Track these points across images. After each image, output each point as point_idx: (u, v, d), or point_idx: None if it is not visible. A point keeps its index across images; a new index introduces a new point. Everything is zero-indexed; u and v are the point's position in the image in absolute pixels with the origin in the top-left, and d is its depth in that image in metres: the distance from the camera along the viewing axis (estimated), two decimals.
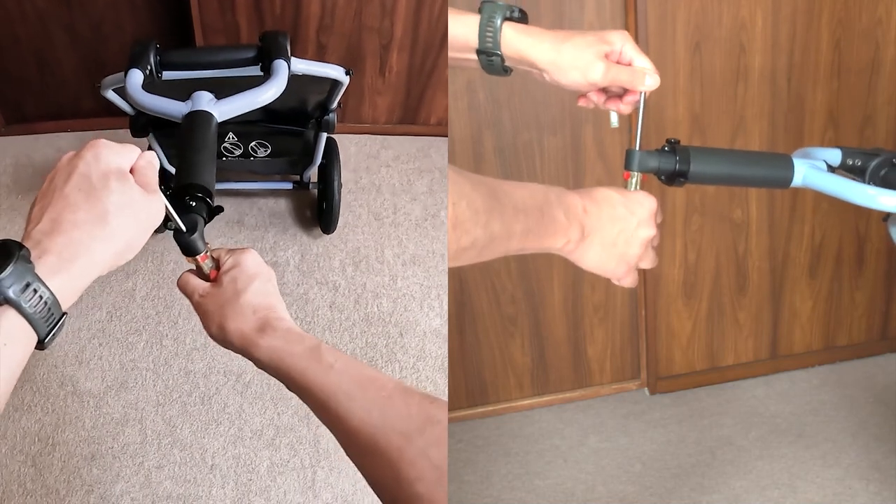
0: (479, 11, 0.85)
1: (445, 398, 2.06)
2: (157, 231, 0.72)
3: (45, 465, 1.82)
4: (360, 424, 0.61)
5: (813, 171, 0.85)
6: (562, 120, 1.99)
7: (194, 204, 0.79)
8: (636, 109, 0.88)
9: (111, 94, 1.79)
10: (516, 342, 2.26)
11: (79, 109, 2.48)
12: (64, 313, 0.54)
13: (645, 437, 2.20)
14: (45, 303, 0.52)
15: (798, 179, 0.86)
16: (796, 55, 1.97)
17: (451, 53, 0.90)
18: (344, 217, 2.39)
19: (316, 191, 2.35)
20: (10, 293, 0.50)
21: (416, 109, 2.67)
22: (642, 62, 0.85)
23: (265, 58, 1.61)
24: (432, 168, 2.66)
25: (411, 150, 2.71)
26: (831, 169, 0.87)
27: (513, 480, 2.09)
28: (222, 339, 0.74)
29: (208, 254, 0.77)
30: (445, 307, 2.26)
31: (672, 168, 0.85)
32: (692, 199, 2.05)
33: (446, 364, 2.14)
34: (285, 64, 1.55)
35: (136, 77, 1.52)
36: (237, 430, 1.93)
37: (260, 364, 0.71)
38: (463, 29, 0.86)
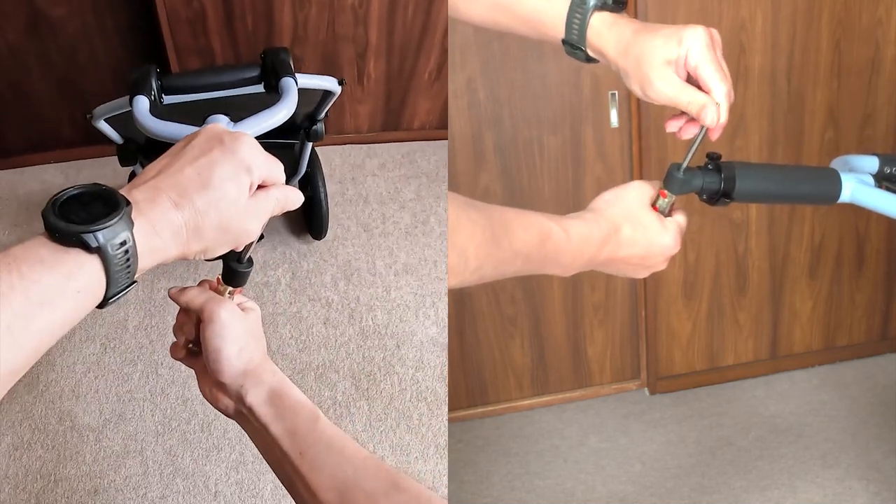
0: None
1: (446, 405, 2.06)
2: (207, 259, 0.72)
3: (49, 503, 1.80)
4: (331, 479, 0.62)
5: (861, 186, 0.80)
6: (562, 118, 1.99)
7: None
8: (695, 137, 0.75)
9: (103, 125, 1.76)
10: (516, 342, 2.26)
11: (60, 139, 2.46)
12: (134, 280, 0.53)
13: (645, 437, 2.19)
14: (129, 265, 0.51)
15: (846, 195, 0.80)
16: (796, 55, 1.97)
17: (525, 30, 0.79)
18: (333, 230, 2.37)
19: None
20: (107, 245, 0.49)
21: (398, 115, 2.65)
22: (708, 75, 0.70)
23: (270, 76, 1.60)
24: (419, 174, 2.64)
25: (396, 156, 2.68)
26: (874, 177, 0.82)
27: (513, 480, 2.09)
28: (234, 360, 0.72)
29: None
30: (441, 315, 2.24)
31: (717, 188, 0.76)
32: (692, 199, 2.04)
33: (445, 373, 2.12)
34: (293, 81, 1.54)
35: (143, 104, 1.50)
36: (238, 455, 1.91)
37: (257, 390, 0.70)
38: (549, 11, 0.75)
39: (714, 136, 0.74)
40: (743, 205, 2.13)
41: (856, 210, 2.43)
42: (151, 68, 1.58)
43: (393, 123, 2.68)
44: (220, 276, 0.75)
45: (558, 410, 2.33)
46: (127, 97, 1.56)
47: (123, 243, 0.50)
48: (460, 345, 2.23)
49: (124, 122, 1.73)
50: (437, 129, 2.72)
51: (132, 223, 0.51)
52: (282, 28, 2.21)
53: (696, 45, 0.71)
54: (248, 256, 0.73)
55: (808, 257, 2.24)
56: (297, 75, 1.61)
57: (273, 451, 0.68)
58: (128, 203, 0.51)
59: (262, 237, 0.78)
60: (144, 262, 0.53)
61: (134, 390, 2.01)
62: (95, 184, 0.53)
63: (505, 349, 2.26)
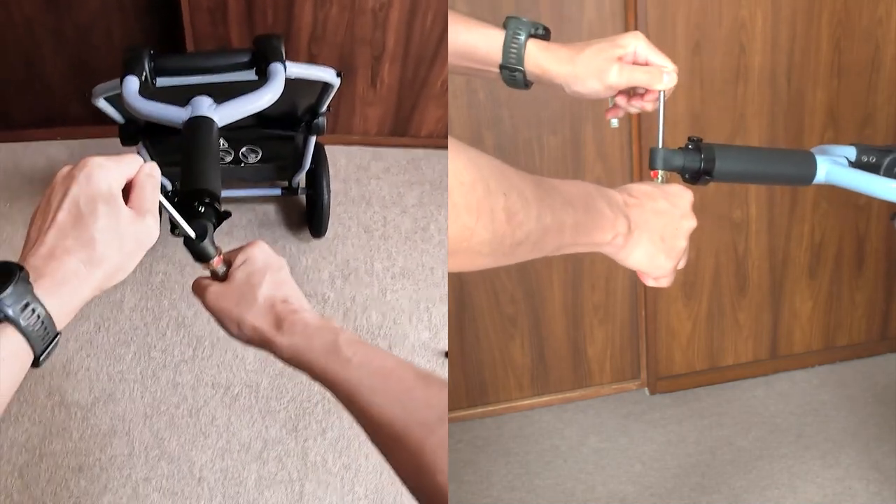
0: (504, 26, 0.87)
1: None
2: (174, 235, 0.72)
3: (32, 477, 1.81)
4: (383, 416, 0.62)
5: (835, 167, 0.86)
6: (562, 118, 1.99)
7: (203, 210, 0.78)
8: (657, 108, 0.89)
9: (102, 103, 1.76)
10: (516, 342, 2.26)
11: (67, 116, 2.45)
12: (58, 332, 0.57)
13: (645, 437, 2.19)
14: (42, 322, 0.55)
15: (821, 176, 0.86)
16: (796, 55, 1.97)
17: (464, 63, 0.90)
18: (333, 229, 2.37)
19: (304, 196, 2.33)
20: (10, 312, 0.53)
21: (407, 121, 2.65)
22: (658, 60, 0.86)
23: (260, 61, 1.60)
24: (423, 180, 2.64)
25: (402, 162, 2.69)
26: (851, 165, 0.88)
27: (513, 480, 2.09)
28: (242, 337, 0.73)
29: (221, 257, 0.77)
30: (435, 320, 2.25)
31: (697, 166, 0.84)
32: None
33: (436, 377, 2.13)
34: (282, 67, 1.54)
35: (132, 84, 1.50)
36: (225, 443, 1.92)
37: (282, 359, 0.72)
38: (485, 42, 0.87)
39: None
40: (743, 205, 2.13)
41: (856, 210, 2.43)
42: (146, 49, 1.56)
43: (401, 129, 2.68)
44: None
45: (558, 410, 2.33)
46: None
47: (27, 304, 0.54)
48: (460, 345, 2.23)
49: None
50: (445, 137, 2.72)
51: (30, 285, 0.54)
52: (301, 25, 2.21)
53: (640, 44, 0.86)
54: (193, 233, 0.73)
55: (808, 257, 2.24)
56: (294, 64, 1.60)
57: (328, 391, 0.69)
58: (21, 268, 0.55)
59: (228, 214, 0.78)
60: (62, 313, 0.56)
61: (125, 371, 2.01)
62: None
63: (505, 349, 2.26)
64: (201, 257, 0.75)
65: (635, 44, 0.86)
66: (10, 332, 0.53)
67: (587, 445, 2.19)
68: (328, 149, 2.33)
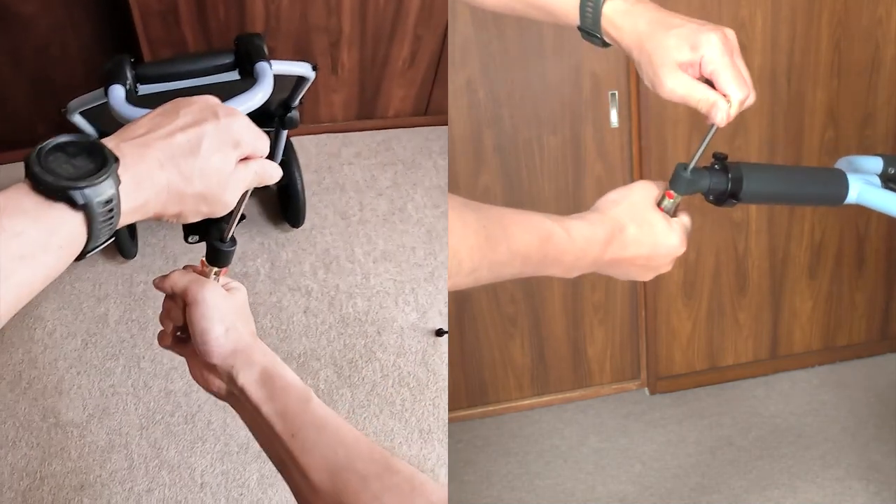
0: None
1: (431, 392, 2.05)
2: (188, 242, 0.71)
3: (36, 500, 1.80)
4: (322, 460, 0.61)
5: (867, 187, 0.80)
6: (562, 118, 1.99)
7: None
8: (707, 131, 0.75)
9: (78, 118, 1.75)
10: (516, 342, 2.26)
11: (35, 136, 2.37)
12: (113, 235, 0.53)
13: (645, 437, 2.19)
14: (111, 221, 0.51)
15: (853, 196, 0.80)
16: (796, 55, 1.97)
17: (540, 16, 0.80)
18: (310, 219, 2.37)
19: (277, 188, 2.32)
20: (93, 202, 0.48)
21: (372, 103, 2.65)
22: (723, 84, 0.71)
23: (244, 62, 1.59)
24: (395, 161, 2.64)
25: (372, 144, 2.68)
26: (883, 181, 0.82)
27: (513, 480, 2.09)
28: (224, 339, 0.71)
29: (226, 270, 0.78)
30: (421, 300, 2.25)
31: (724, 188, 0.77)
32: (692, 198, 2.04)
33: (426, 358, 2.12)
34: (268, 65, 1.55)
35: (118, 92, 1.49)
36: (223, 446, 1.91)
37: (244, 372, 0.69)
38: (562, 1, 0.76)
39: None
40: (743, 204, 2.13)
41: (856, 209, 2.43)
42: (125, 58, 1.56)
43: (368, 112, 2.68)
44: (203, 259, 0.75)
45: (558, 410, 2.33)
46: (102, 89, 1.54)
47: (109, 200, 0.49)
48: (460, 345, 2.23)
49: (99, 115, 1.72)
50: (412, 115, 2.72)
51: (119, 180, 0.50)
52: (254, 19, 2.20)
53: (710, 51, 0.70)
54: (230, 235, 0.73)
55: (808, 257, 2.24)
56: (274, 62, 1.60)
57: (265, 432, 0.67)
58: (116, 159, 0.50)
59: (244, 217, 0.79)
60: (125, 218, 0.52)
61: (117, 385, 2.00)
62: (83, 134, 0.52)
63: (505, 349, 2.26)
64: (225, 261, 0.75)
65: (706, 49, 0.69)
66: (80, 222, 0.49)
67: (587, 445, 2.19)
68: (297, 139, 2.33)
